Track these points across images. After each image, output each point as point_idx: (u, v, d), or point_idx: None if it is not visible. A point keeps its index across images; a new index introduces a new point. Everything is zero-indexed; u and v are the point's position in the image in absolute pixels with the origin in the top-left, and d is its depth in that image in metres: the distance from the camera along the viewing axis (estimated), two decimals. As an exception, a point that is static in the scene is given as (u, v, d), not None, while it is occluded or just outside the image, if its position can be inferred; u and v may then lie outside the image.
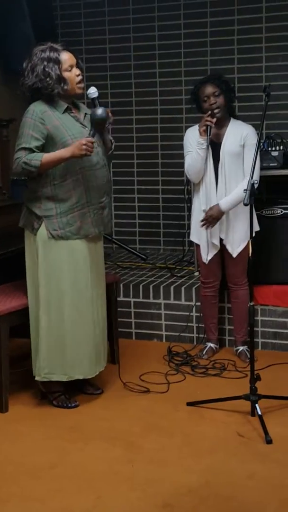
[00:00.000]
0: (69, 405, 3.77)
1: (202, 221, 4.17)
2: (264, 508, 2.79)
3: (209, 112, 4.06)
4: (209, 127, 4.06)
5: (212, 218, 4.14)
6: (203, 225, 4.17)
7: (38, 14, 5.21)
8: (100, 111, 3.54)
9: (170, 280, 4.95)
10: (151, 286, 4.85)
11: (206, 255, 4.28)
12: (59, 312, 3.62)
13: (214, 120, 4.06)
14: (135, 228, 5.95)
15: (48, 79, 3.47)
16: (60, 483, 3.01)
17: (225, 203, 4.11)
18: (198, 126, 4.11)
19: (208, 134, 4.07)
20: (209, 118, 4.05)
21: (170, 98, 5.65)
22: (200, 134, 4.08)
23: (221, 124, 4.15)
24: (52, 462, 3.19)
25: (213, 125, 4.07)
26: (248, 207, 3.52)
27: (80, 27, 5.83)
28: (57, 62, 3.50)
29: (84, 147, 3.42)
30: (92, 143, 3.47)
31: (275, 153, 4.65)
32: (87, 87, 3.66)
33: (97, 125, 3.57)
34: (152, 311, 4.84)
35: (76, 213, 3.58)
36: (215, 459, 3.18)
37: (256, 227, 4.11)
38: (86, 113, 3.70)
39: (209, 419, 3.58)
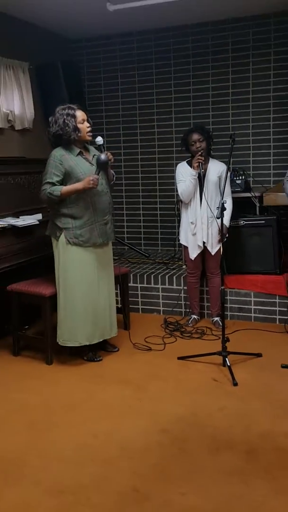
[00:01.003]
0: (95, 359, 3.77)
1: (219, 240, 4.09)
2: (232, 432, 2.80)
3: (200, 152, 4.05)
4: (200, 163, 4.06)
5: (225, 236, 4.12)
6: (219, 241, 4.11)
7: (71, 84, 5.19)
8: (103, 156, 3.49)
9: (165, 271, 4.94)
10: (152, 276, 4.84)
11: (193, 253, 4.28)
12: (72, 297, 3.60)
13: (203, 158, 4.06)
14: (140, 235, 5.95)
15: (67, 128, 3.45)
16: (89, 414, 3.03)
17: (227, 223, 4.12)
18: (192, 163, 4.09)
19: (201, 168, 4.07)
20: (200, 157, 4.04)
21: (164, 143, 5.62)
22: (194, 168, 4.07)
23: (204, 161, 4.14)
24: (83, 399, 3.21)
25: (203, 162, 4.07)
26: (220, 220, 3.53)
27: (101, 93, 5.81)
28: (74, 116, 3.48)
29: (91, 182, 3.43)
30: (97, 179, 3.47)
31: (238, 181, 4.65)
32: (102, 135, 3.70)
33: (101, 166, 3.54)
34: (153, 293, 4.82)
35: (87, 228, 3.55)
36: (197, 397, 3.20)
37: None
38: (94, 155, 3.65)
39: (193, 369, 3.59)
